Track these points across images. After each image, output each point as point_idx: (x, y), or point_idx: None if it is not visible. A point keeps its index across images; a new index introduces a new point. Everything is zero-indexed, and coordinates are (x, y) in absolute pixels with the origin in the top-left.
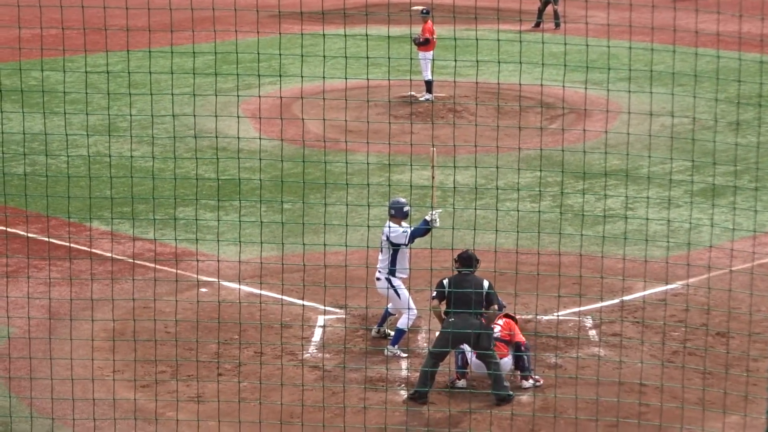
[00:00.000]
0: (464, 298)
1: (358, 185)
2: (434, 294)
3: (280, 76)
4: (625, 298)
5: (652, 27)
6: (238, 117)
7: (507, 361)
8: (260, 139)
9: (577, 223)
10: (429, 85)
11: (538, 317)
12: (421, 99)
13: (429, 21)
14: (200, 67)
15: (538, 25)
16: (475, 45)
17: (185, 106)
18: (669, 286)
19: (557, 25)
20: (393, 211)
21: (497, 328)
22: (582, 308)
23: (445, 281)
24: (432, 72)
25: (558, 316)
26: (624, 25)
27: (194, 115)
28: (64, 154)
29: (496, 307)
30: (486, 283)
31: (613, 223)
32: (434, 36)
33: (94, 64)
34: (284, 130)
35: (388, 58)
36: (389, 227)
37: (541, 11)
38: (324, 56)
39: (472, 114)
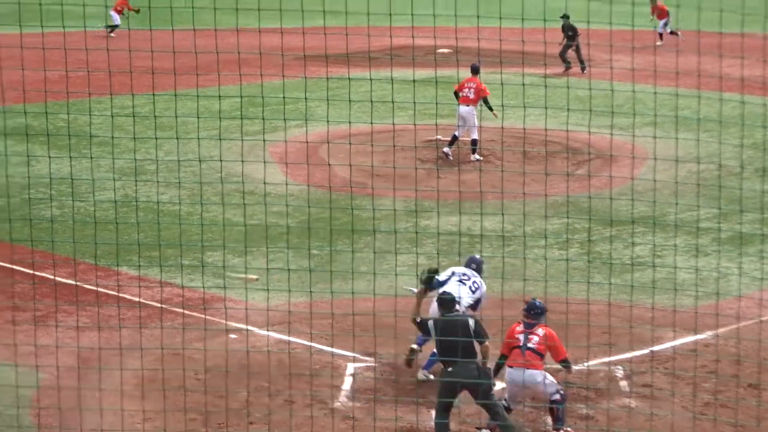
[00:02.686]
0: (454, 342)
1: (385, 231)
2: (418, 320)
3: (306, 119)
4: (655, 348)
5: (677, 71)
6: (264, 162)
7: (535, 374)
8: (287, 184)
9: (606, 271)
10: (476, 143)
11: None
12: (473, 159)
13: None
14: (226, 110)
15: (568, 69)
16: (500, 89)
17: (212, 149)
18: (699, 336)
19: (583, 69)
20: (474, 266)
21: (535, 338)
22: (612, 358)
23: (431, 322)
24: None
25: (588, 365)
26: (649, 70)
27: (221, 160)
28: (92, 198)
29: (487, 342)
30: (472, 322)
31: (641, 271)
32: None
33: (121, 106)
34: (311, 175)
35: (414, 102)
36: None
37: (562, 56)
38: (350, 100)
39: (499, 159)
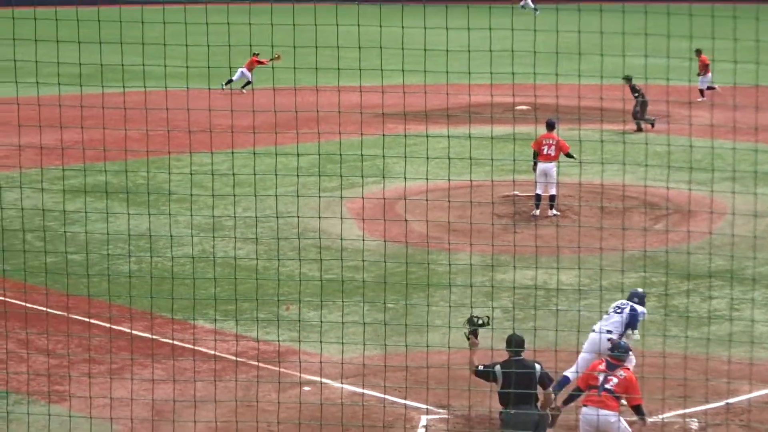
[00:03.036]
0: (519, 385)
1: (461, 285)
2: (480, 368)
3: (384, 176)
4: (731, 400)
5: (756, 127)
6: (341, 218)
7: (609, 415)
8: (364, 240)
9: (682, 324)
10: (554, 199)
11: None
12: (550, 214)
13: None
14: (304, 167)
15: (652, 125)
16: (578, 145)
17: (289, 205)
18: None
19: (653, 124)
20: (636, 299)
21: (614, 380)
22: (687, 410)
23: (497, 367)
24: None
25: (663, 418)
26: (728, 126)
27: (298, 217)
28: (170, 253)
29: (550, 389)
30: (537, 366)
31: (718, 324)
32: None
33: (200, 163)
34: (387, 230)
35: (492, 158)
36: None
37: (641, 117)
38: (427, 157)
39: (576, 214)
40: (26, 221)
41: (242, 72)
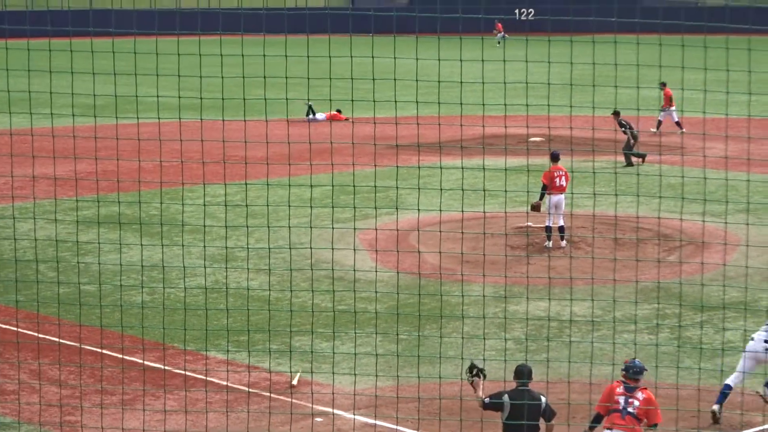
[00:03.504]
0: (523, 413)
1: (474, 317)
2: (487, 401)
3: (397, 207)
4: None
5: None
6: (354, 249)
7: None
8: (376, 271)
9: (696, 356)
10: (550, 231)
11: None
12: (563, 245)
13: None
14: (317, 198)
15: (643, 159)
16: (592, 177)
17: (302, 236)
18: None
19: (643, 159)
20: None
21: (635, 403)
22: None
23: (506, 396)
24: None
25: None
26: (742, 158)
27: (311, 248)
28: (182, 284)
29: (553, 423)
30: (543, 398)
31: (731, 356)
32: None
33: (213, 194)
34: (401, 261)
35: (505, 190)
36: None
37: (630, 152)
38: (441, 189)
39: (589, 245)
40: (39, 252)
41: (321, 117)
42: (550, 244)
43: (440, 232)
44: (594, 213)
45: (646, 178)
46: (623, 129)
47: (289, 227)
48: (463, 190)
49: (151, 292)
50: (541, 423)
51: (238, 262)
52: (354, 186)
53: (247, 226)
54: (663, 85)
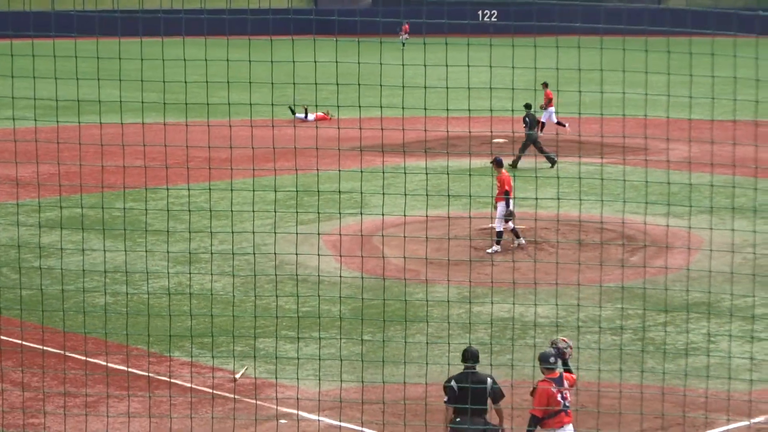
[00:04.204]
0: (472, 397)
1: (438, 319)
2: (447, 399)
3: (362, 211)
4: None
5: (734, 163)
6: (318, 254)
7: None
8: (341, 274)
9: (659, 357)
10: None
11: None
12: (489, 252)
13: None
14: (281, 200)
15: (552, 164)
16: (556, 178)
17: (266, 237)
18: (753, 420)
19: (552, 163)
20: None
21: (568, 394)
22: None
23: (453, 382)
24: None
25: None
26: (705, 162)
27: (275, 253)
28: (146, 286)
29: (500, 406)
30: (489, 380)
31: (695, 356)
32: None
33: (176, 196)
34: (365, 263)
35: (470, 194)
36: None
37: (525, 149)
38: (405, 193)
39: (553, 247)
40: (1, 254)
41: (310, 117)
42: (499, 248)
43: (405, 236)
44: (558, 214)
45: (609, 180)
46: (524, 125)
47: (254, 232)
48: (427, 192)
49: (114, 294)
50: (490, 405)
51: (202, 264)
52: (318, 188)
53: (212, 231)
54: (545, 85)
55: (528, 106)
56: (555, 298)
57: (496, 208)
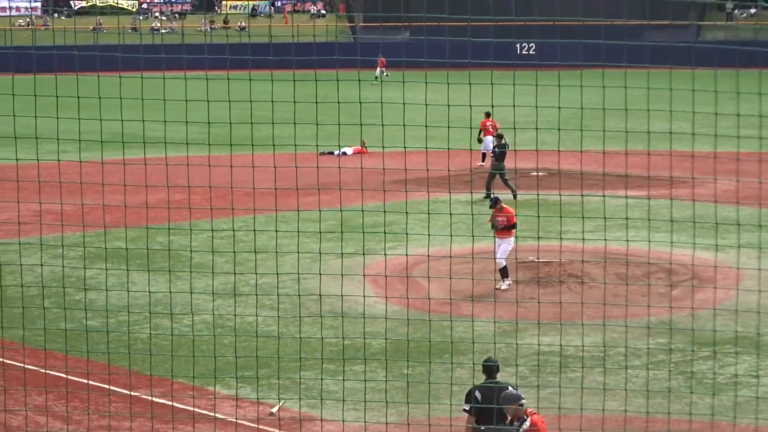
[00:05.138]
0: (491, 409)
1: (479, 351)
2: (467, 408)
3: (407, 236)
4: None
5: None
6: (364, 284)
7: None
8: (386, 305)
9: (701, 390)
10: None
11: None
12: (503, 287)
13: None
14: (325, 231)
15: (515, 197)
16: (602, 209)
17: (306, 269)
18: None
19: (514, 196)
20: None
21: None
22: None
23: (477, 393)
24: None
25: None
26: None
27: (320, 280)
28: (188, 319)
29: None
30: (510, 389)
31: (742, 389)
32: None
33: (218, 228)
34: (405, 295)
35: (516, 224)
36: None
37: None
38: (451, 223)
39: (593, 279)
40: (45, 287)
41: (349, 151)
42: (510, 282)
43: (450, 266)
44: (606, 248)
45: (658, 210)
46: (498, 147)
47: (299, 260)
48: (473, 224)
49: (156, 327)
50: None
51: (243, 297)
52: (363, 219)
53: (257, 261)
54: (487, 115)
55: (499, 137)
56: (596, 331)
57: (498, 244)
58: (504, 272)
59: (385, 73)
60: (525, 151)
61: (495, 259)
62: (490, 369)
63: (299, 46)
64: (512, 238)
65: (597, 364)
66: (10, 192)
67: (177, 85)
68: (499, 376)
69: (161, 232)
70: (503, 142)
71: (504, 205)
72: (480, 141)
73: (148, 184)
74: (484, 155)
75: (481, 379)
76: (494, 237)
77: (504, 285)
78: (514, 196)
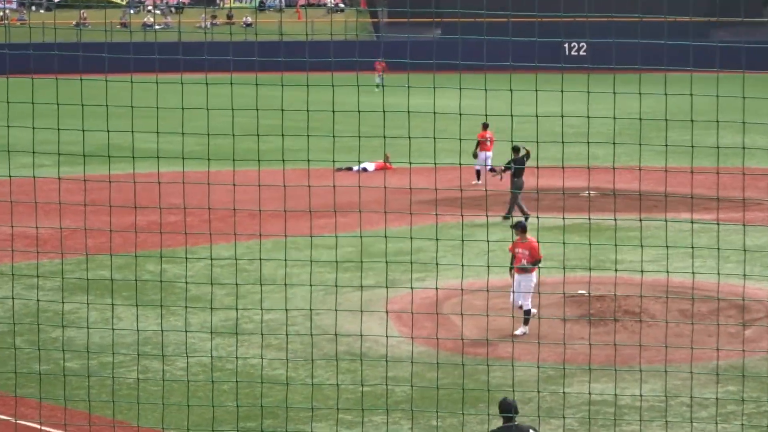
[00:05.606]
0: None
1: (520, 400)
2: None
3: (437, 266)
4: None
5: None
6: (386, 321)
7: None
8: (412, 342)
9: None
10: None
11: None
12: (517, 333)
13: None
14: (342, 259)
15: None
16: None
17: (320, 304)
18: None
19: (505, 218)
20: None
21: None
22: None
23: None
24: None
25: None
26: None
27: (336, 311)
28: (182, 360)
29: None
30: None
31: None
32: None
33: (217, 256)
34: (435, 334)
35: (563, 253)
36: None
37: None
38: (489, 251)
39: (653, 317)
40: (16, 323)
41: (371, 167)
42: (527, 330)
43: (488, 300)
44: (668, 281)
45: (728, 236)
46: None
47: (311, 292)
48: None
49: (145, 369)
50: None
51: (246, 335)
52: (386, 244)
53: (262, 293)
54: (485, 126)
55: (516, 149)
56: (655, 378)
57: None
58: (528, 315)
59: (384, 79)
60: (573, 167)
61: (512, 297)
62: (507, 408)
63: (314, 45)
64: (534, 275)
65: (657, 416)
66: None
67: (172, 89)
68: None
69: (152, 260)
70: (521, 155)
71: (530, 236)
72: (475, 156)
73: (137, 203)
74: (478, 173)
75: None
76: (510, 269)
77: (519, 331)
78: (525, 220)
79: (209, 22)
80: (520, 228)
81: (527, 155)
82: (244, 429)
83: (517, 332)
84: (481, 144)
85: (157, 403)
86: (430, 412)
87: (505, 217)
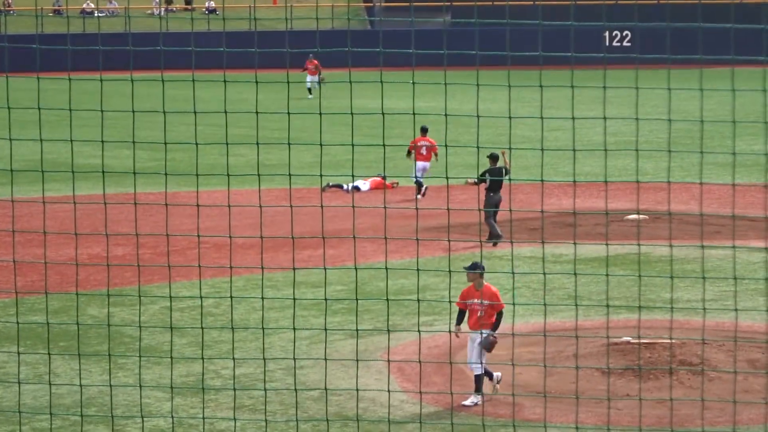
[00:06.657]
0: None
1: None
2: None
3: (450, 305)
4: None
5: None
6: (388, 375)
7: None
8: (421, 400)
9: None
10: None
11: None
12: (466, 404)
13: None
14: (331, 298)
15: (494, 244)
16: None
17: (304, 354)
18: None
19: (494, 243)
20: None
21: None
22: None
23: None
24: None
25: None
26: None
27: (326, 363)
28: (135, 425)
29: None
30: None
31: None
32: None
33: (179, 295)
34: (444, 390)
35: (607, 293)
36: None
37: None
38: (514, 288)
39: (717, 368)
40: None
41: (363, 187)
42: (479, 400)
43: (513, 346)
44: (737, 324)
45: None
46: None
47: (295, 338)
48: (545, 289)
49: None
50: None
51: (212, 394)
52: (387, 278)
53: (234, 341)
54: (424, 131)
55: (493, 158)
56: None
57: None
58: (478, 382)
59: (321, 81)
60: (617, 184)
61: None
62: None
63: (295, 35)
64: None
65: None
66: None
67: (120, 90)
68: None
69: (96, 301)
70: (500, 165)
71: (486, 282)
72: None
73: (77, 231)
74: (419, 185)
75: None
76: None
77: (469, 401)
78: (494, 244)
79: (164, 8)
80: (478, 270)
81: (506, 170)
82: None
83: (467, 402)
84: (416, 152)
85: None
86: None
87: (494, 243)
